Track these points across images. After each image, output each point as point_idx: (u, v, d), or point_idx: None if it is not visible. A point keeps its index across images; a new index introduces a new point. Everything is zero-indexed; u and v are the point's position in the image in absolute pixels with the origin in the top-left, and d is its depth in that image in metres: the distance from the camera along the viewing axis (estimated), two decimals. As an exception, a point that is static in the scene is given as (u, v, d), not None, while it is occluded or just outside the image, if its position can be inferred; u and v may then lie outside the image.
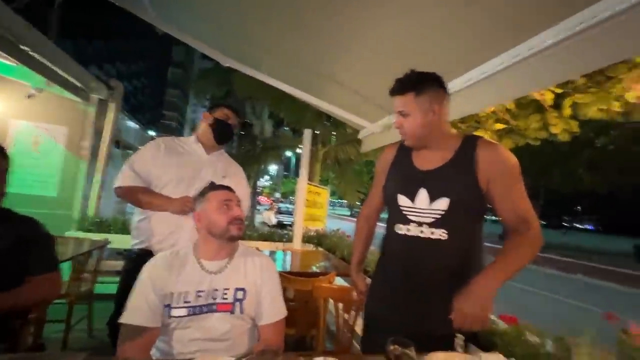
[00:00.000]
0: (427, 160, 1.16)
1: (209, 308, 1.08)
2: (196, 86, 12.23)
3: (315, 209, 4.72)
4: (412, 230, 1.11)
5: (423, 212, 1.11)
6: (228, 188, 1.22)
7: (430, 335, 0.99)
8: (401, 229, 1.14)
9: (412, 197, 1.13)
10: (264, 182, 50.59)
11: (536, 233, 1.02)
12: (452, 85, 1.59)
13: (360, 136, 2.91)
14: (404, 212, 1.14)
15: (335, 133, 8.18)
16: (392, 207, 1.20)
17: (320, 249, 3.92)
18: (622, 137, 9.26)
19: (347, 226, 4.90)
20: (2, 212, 1.16)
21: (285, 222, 15.76)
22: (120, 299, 1.56)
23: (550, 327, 1.31)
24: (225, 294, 1.11)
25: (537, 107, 2.84)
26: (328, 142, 8.24)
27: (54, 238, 1.26)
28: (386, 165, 1.28)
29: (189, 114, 71.60)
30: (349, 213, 39.45)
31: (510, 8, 1.15)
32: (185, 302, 1.07)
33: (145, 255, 1.53)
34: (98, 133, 3.82)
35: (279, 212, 18.13)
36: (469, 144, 1.12)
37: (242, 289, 1.13)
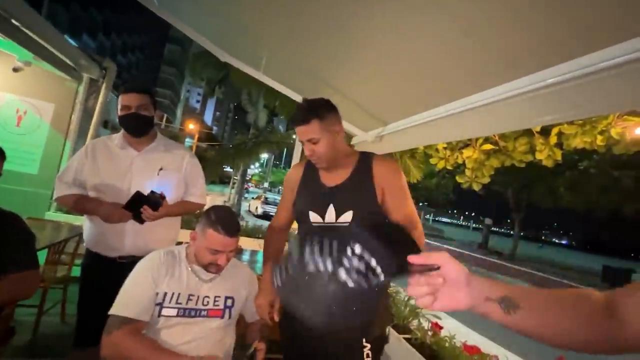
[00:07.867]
0: (332, 177, 1.24)
1: (200, 313, 1.17)
2: (192, 67, 11.99)
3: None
4: None
5: (331, 226, 1.17)
6: (232, 233, 1.15)
7: (341, 345, 1.12)
8: None
9: (322, 213, 1.20)
10: (254, 169, 50.13)
11: (420, 232, 1.17)
12: (455, 106, 1.59)
13: (352, 143, 2.93)
14: (315, 228, 1.21)
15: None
16: (304, 222, 1.26)
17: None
18: (604, 162, 9.75)
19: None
20: None
21: (270, 213, 15.68)
22: (83, 293, 1.55)
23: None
24: (217, 301, 1.22)
25: (526, 131, 2.92)
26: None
27: (34, 235, 1.24)
28: (295, 183, 1.33)
29: (183, 93, 69.97)
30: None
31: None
32: (177, 303, 1.14)
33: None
34: (87, 112, 3.71)
35: (266, 202, 17.97)
36: (366, 159, 1.24)
37: (232, 297, 1.26)
